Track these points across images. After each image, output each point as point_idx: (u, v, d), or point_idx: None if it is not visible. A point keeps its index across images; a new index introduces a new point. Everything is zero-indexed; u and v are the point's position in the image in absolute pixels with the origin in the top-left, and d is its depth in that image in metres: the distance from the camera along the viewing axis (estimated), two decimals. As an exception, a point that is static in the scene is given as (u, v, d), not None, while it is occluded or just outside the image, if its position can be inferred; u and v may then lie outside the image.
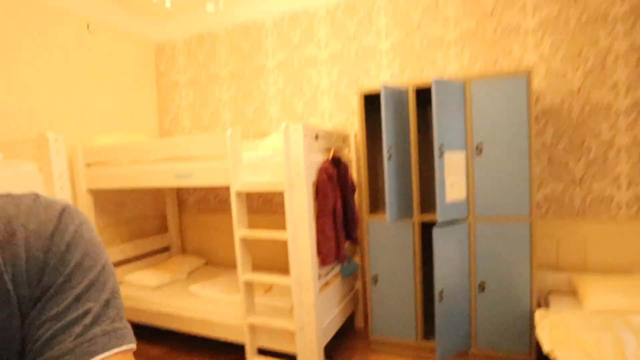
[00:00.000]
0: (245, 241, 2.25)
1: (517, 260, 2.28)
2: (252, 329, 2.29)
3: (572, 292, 2.53)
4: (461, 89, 2.29)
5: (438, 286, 2.23)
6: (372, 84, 2.99)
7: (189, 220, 3.73)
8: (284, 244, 2.84)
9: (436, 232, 2.22)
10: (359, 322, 3.01)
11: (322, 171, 2.21)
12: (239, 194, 2.21)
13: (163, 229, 3.65)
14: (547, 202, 2.66)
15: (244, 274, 2.23)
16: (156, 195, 3.61)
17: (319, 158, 2.30)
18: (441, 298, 2.24)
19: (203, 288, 2.71)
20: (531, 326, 2.27)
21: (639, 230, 2.45)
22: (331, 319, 2.41)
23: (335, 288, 2.56)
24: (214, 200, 3.63)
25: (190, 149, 2.33)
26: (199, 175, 2.32)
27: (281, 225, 3.22)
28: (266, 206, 3.41)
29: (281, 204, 3.32)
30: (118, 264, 3.11)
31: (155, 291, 2.84)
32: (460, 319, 2.34)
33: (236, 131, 2.19)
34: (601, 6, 2.47)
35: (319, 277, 2.26)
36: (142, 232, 3.43)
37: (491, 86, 2.27)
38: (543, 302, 2.50)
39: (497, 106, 2.26)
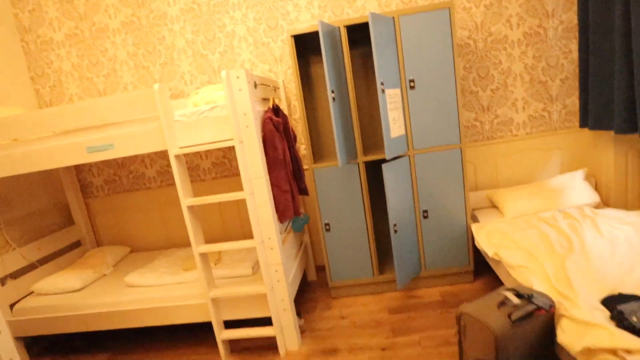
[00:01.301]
0: (194, 210, 2.01)
1: (452, 184, 2.49)
2: (217, 303, 2.11)
3: (492, 206, 2.90)
4: (392, 24, 2.31)
5: (392, 219, 2.32)
6: (294, 28, 2.83)
7: (99, 206, 3.18)
8: (220, 213, 2.66)
9: (386, 168, 2.27)
10: (311, 275, 3.02)
11: (267, 121, 2.05)
12: (179, 158, 1.93)
13: (68, 221, 3.07)
14: (463, 130, 2.92)
15: (199, 245, 2.01)
16: (49, 182, 2.97)
17: (261, 108, 2.12)
18: (395, 230, 2.35)
19: (142, 276, 2.38)
20: (468, 240, 2.55)
21: (534, 145, 2.87)
22: (293, 275, 2.36)
23: (291, 243, 2.49)
24: (127, 177, 3.14)
25: (107, 113, 1.92)
26: (121, 143, 1.94)
27: (215, 192, 3.01)
28: (192, 175, 3.09)
29: (210, 170, 3.04)
30: (17, 273, 2.53)
31: (80, 293, 2.40)
32: (410, 248, 2.50)
33: (164, 86, 1.87)
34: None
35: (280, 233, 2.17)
36: (42, 230, 2.82)
37: (418, 20, 2.32)
38: (472, 219, 2.81)
39: (425, 40, 2.34)
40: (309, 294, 2.80)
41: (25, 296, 2.47)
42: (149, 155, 3.10)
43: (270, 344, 2.24)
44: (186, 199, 1.95)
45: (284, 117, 2.36)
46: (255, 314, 2.13)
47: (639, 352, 1.12)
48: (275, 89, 2.62)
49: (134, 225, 3.16)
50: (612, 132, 2.58)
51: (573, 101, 2.83)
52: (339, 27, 2.33)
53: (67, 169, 2.99)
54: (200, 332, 2.49)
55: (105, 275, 2.64)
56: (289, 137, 2.35)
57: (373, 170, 2.97)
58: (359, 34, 2.70)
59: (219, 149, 3.01)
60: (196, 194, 3.02)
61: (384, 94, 2.21)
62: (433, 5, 2.31)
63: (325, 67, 2.13)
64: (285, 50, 2.87)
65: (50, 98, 3.10)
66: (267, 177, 1.99)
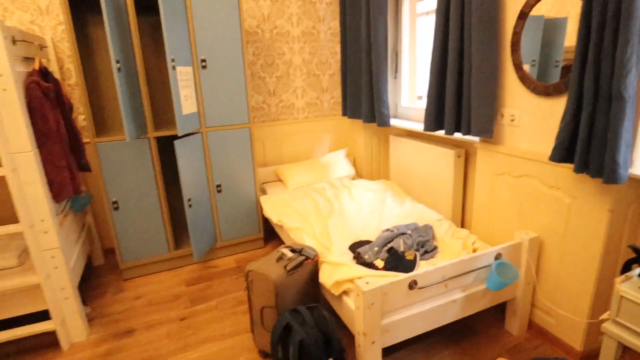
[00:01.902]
0: None
1: (243, 161, 2.74)
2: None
3: (278, 180, 3.32)
4: (182, 1, 2.30)
5: (186, 194, 2.39)
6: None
7: None
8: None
9: (178, 145, 2.30)
10: (98, 260, 2.76)
11: (34, 86, 1.76)
12: None
13: None
14: (253, 111, 3.21)
15: None
16: None
17: (23, 69, 1.79)
18: (190, 205, 2.43)
19: None
20: (258, 211, 2.88)
21: (310, 128, 3.43)
22: (75, 260, 2.13)
23: (70, 226, 2.23)
24: None
25: None
26: None
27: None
28: None
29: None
30: None
31: None
32: (205, 221, 2.64)
33: None
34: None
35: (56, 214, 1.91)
36: None
37: (208, 3, 2.39)
38: (261, 191, 3.16)
39: (216, 23, 2.44)
40: (97, 279, 2.58)
41: None
42: None
43: (49, 341, 1.98)
44: None
45: (55, 82, 2.05)
46: (26, 309, 1.84)
47: (365, 276, 1.62)
48: (42, 47, 2.21)
49: None
50: (361, 121, 3.35)
51: (338, 93, 3.50)
52: (124, -9, 2.17)
53: None
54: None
55: None
56: (63, 106, 2.07)
57: (168, 146, 2.92)
58: (146, 3, 2.56)
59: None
60: None
61: (175, 71, 2.21)
62: (224, -10, 2.42)
63: (108, 33, 1.96)
64: (54, 0, 2.44)
65: None
66: (36, 151, 1.73)
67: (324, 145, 3.54)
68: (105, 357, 1.86)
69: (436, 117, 2.20)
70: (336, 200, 2.65)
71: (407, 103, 2.98)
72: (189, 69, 2.38)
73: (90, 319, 2.15)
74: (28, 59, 2.00)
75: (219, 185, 2.68)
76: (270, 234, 3.18)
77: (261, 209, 2.86)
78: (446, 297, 1.66)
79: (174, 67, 2.19)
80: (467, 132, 2.01)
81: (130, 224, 2.45)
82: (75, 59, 2.12)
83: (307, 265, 1.82)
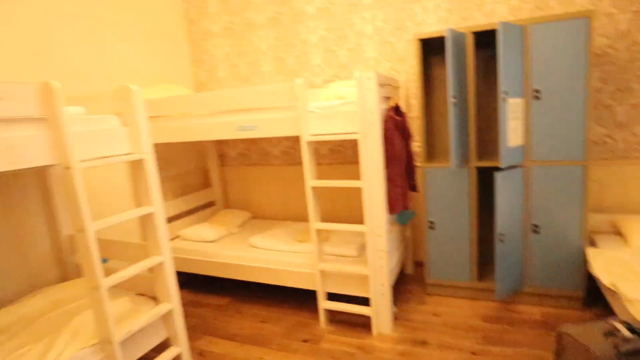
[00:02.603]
0: (315, 191, 2.30)
1: (569, 202, 2.38)
2: (323, 275, 2.40)
3: (615, 232, 2.67)
4: (521, 32, 2.26)
5: (499, 229, 2.33)
6: (420, 30, 2.92)
7: (231, 174, 3.75)
8: (330, 196, 2.91)
9: (498, 177, 2.28)
10: (408, 269, 3.15)
11: (389, 119, 2.22)
12: (309, 144, 2.22)
13: (206, 184, 3.68)
14: (591, 146, 2.72)
15: (315, 222, 2.29)
16: (195, 149, 3.59)
17: (384, 106, 2.29)
18: (501, 240, 2.35)
19: (264, 239, 2.79)
20: (582, 264, 2.41)
21: (678, 171, 2.55)
22: (394, 264, 2.52)
23: (394, 235, 2.66)
24: (256, 153, 3.63)
25: (255, 100, 2.29)
26: (264, 126, 2.30)
27: (330, 176, 3.30)
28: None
29: (326, 156, 3.34)
30: (171, 219, 3.18)
31: (214, 244, 2.93)
32: (515, 260, 2.47)
33: (305, 81, 2.16)
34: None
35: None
36: (187, 187, 3.46)
37: (551, 30, 2.23)
38: (589, 242, 2.63)
39: (556, 50, 2.24)
40: (405, 285, 2.94)
41: (173, 239, 3.09)
42: (276, 137, 3.53)
43: (363, 323, 2.45)
44: (311, 181, 2.24)
45: (404, 115, 2.49)
46: (354, 292, 2.36)
47: None
48: (396, 88, 2.75)
49: (256, 194, 3.66)
50: None
51: None
52: (465, 34, 2.37)
53: (211, 140, 3.56)
54: (302, 298, 2.83)
55: (232, 233, 3.15)
56: (406, 135, 2.49)
57: (482, 175, 2.95)
58: (483, 38, 2.68)
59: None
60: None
61: (506, 103, 2.20)
62: (570, 14, 2.18)
63: (449, 74, 2.20)
64: (408, 50, 2.97)
65: (205, 79, 3.69)
66: (384, 170, 2.17)
67: (700, 198, 2.55)
68: (401, 356, 2.10)
69: None
70: None
71: None
72: (520, 100, 2.32)
73: (395, 318, 2.48)
74: (387, 98, 2.54)
75: (536, 225, 2.45)
76: (593, 297, 2.60)
77: (587, 264, 2.39)
78: None
79: (504, 99, 2.19)
80: None
81: (441, 244, 2.65)
82: (419, 97, 2.51)
83: (653, 354, 1.38)
